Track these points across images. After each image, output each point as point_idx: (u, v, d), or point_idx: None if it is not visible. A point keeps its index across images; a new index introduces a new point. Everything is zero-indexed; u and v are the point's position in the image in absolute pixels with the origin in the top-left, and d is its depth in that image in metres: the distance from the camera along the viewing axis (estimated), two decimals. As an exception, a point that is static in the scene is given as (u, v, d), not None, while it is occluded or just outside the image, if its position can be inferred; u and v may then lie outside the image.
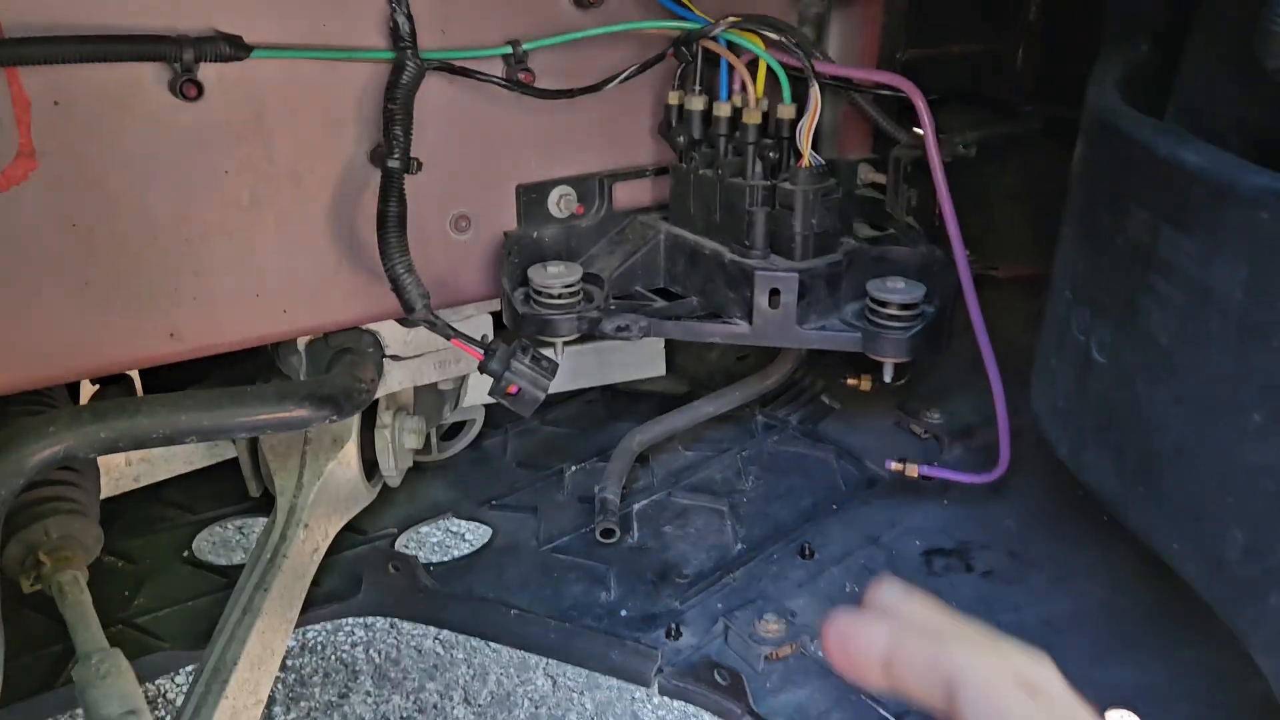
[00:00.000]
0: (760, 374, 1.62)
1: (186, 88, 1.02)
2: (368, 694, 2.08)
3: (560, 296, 1.22)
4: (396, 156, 1.10)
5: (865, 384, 1.48)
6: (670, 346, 1.81)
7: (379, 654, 2.14)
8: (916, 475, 1.43)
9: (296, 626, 1.33)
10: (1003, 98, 1.70)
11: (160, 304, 1.09)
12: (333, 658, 2.16)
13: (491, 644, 2.04)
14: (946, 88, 1.68)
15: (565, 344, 1.24)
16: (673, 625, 1.27)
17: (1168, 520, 0.84)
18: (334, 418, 1.16)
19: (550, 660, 1.94)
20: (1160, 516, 0.85)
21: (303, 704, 2.05)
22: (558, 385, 1.77)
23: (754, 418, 1.72)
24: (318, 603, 1.37)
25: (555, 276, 1.22)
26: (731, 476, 1.58)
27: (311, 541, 1.34)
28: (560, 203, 1.30)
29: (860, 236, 1.32)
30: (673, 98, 1.28)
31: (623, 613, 1.32)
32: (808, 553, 1.39)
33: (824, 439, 1.65)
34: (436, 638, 2.16)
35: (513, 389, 1.14)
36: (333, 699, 2.07)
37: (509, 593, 1.37)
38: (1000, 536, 1.40)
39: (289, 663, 2.13)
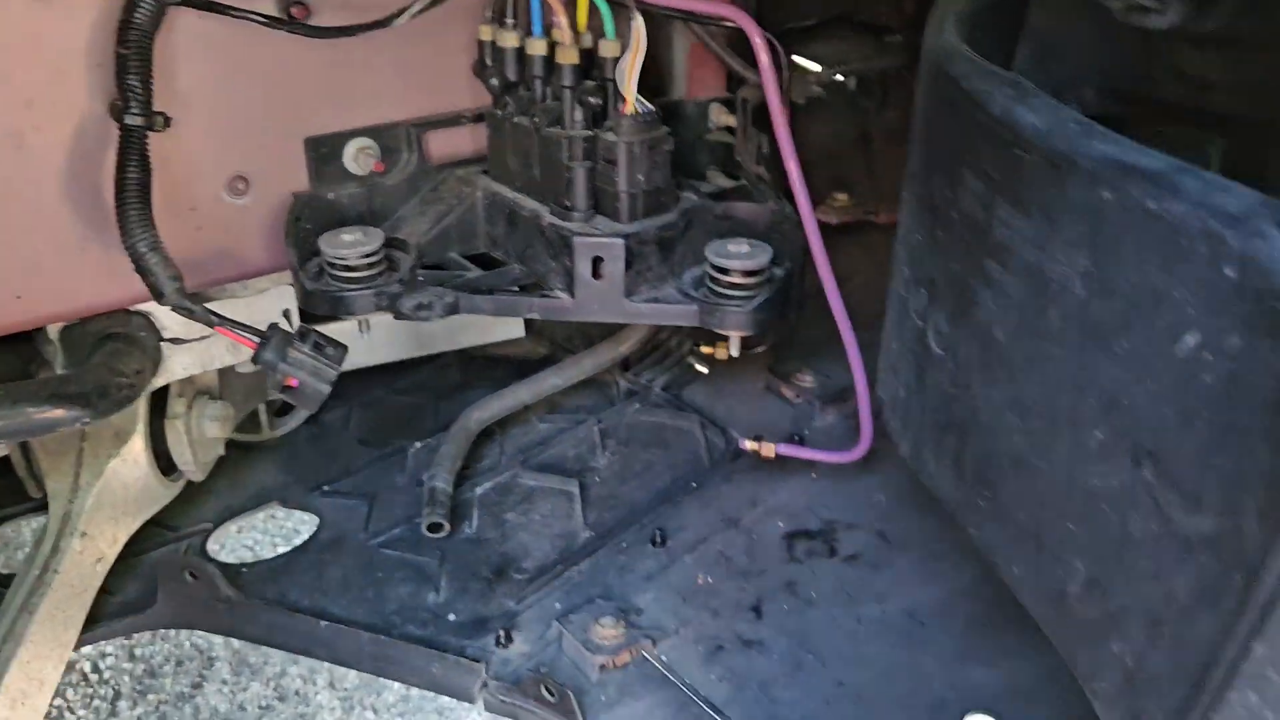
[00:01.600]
0: (613, 339, 1.47)
1: None
2: (224, 682, 1.93)
3: (356, 269, 1.06)
4: (135, 111, 0.92)
5: (722, 352, 1.33)
6: (529, 306, 1.65)
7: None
8: (773, 455, 1.30)
9: (81, 646, 1.18)
10: (880, 26, 1.55)
11: None
12: (187, 644, 1.99)
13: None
14: (825, 14, 1.52)
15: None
16: (503, 631, 1.15)
17: (1008, 540, 0.72)
18: (86, 420, 0.99)
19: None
20: (1000, 534, 0.73)
21: (151, 697, 1.88)
22: (404, 351, 1.61)
23: (616, 382, 1.58)
24: (110, 616, 1.22)
25: (350, 245, 1.06)
26: (586, 452, 1.44)
27: (93, 551, 1.18)
28: (358, 157, 1.12)
29: (704, 190, 1.17)
30: (484, 32, 1.11)
31: (451, 617, 1.19)
32: (659, 540, 1.26)
33: (688, 406, 1.52)
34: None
35: (291, 382, 0.99)
36: (185, 690, 1.91)
37: (326, 597, 1.22)
38: (870, 515, 1.29)
39: (137, 652, 1.96)
